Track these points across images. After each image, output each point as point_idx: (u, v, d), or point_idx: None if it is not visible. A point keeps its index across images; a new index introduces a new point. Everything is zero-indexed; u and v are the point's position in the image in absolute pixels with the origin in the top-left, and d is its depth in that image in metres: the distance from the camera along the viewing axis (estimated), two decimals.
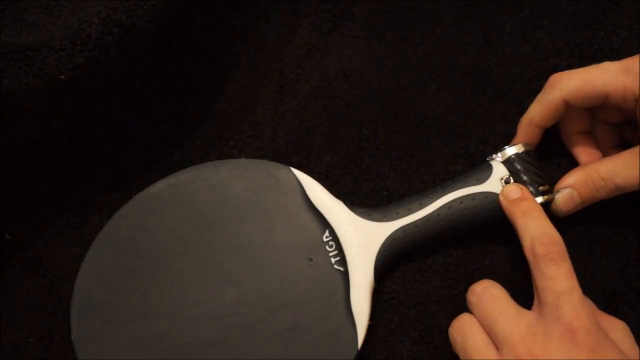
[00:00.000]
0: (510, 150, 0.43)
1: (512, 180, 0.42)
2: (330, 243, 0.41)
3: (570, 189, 0.42)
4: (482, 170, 0.43)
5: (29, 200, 0.48)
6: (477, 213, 0.42)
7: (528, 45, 0.49)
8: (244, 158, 0.45)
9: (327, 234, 0.42)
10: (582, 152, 0.44)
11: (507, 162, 0.43)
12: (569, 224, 0.44)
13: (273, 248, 0.42)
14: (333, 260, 0.41)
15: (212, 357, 0.40)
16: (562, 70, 0.43)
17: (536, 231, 0.38)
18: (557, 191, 0.42)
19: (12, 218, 0.47)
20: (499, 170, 0.42)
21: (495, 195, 0.42)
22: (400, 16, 0.50)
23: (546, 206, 0.42)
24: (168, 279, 0.41)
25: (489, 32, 0.50)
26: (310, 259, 0.41)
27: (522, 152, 0.43)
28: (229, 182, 0.43)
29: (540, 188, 0.42)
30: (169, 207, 0.43)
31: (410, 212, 0.42)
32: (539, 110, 0.43)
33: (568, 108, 0.42)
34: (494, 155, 0.43)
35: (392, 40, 0.50)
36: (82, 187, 0.48)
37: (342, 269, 0.41)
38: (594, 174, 0.41)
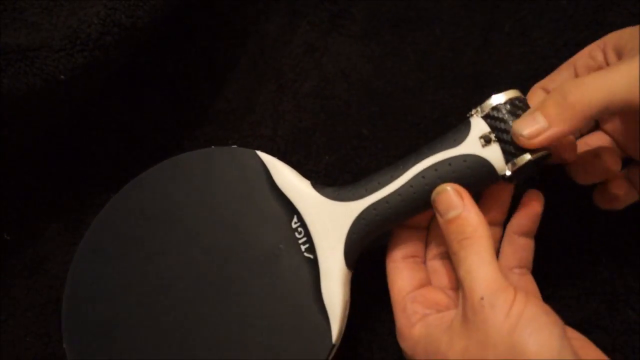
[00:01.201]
0: (494, 100, 0.36)
1: (493, 138, 0.36)
2: (300, 229, 0.38)
3: (532, 110, 0.35)
4: (460, 129, 0.37)
5: (28, 200, 0.48)
6: (455, 181, 0.36)
7: (527, 46, 0.49)
8: (213, 147, 0.42)
9: (295, 219, 0.38)
10: None
11: (489, 117, 0.36)
12: (568, 224, 0.44)
13: (241, 239, 0.39)
14: (303, 247, 0.38)
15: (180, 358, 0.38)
16: None
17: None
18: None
19: (12, 218, 0.47)
20: (478, 127, 0.36)
21: (475, 157, 0.36)
22: (399, 16, 0.50)
23: (540, 163, 0.37)
24: (146, 284, 0.39)
25: (487, 32, 0.50)
26: (280, 248, 0.39)
27: (506, 101, 0.36)
28: (195, 173, 0.40)
29: None
30: (140, 209, 0.40)
31: (380, 186, 0.37)
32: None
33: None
34: (473, 111, 0.37)
35: (390, 40, 0.50)
36: (82, 187, 0.48)
37: (311, 256, 0.38)
38: (561, 86, 0.34)
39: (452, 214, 0.35)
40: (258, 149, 0.48)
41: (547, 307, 0.33)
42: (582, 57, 0.40)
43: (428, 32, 0.50)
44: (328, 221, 0.38)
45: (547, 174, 0.45)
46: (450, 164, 0.36)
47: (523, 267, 0.39)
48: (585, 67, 0.39)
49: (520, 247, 0.39)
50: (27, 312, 0.45)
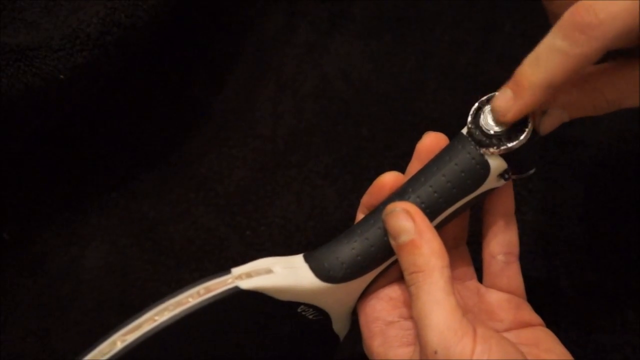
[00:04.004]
0: (517, 144, 0.33)
1: (511, 175, 0.34)
2: (306, 309, 0.35)
3: (561, 111, 0.32)
4: (476, 173, 0.33)
5: (28, 200, 0.48)
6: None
7: (527, 46, 0.49)
8: (189, 300, 0.32)
9: (301, 307, 0.35)
10: None
11: (507, 155, 0.33)
12: (567, 223, 0.44)
13: (253, 353, 0.36)
14: (311, 316, 0.36)
15: None
16: None
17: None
18: (545, 112, 0.33)
19: (12, 218, 0.47)
20: (497, 166, 0.33)
21: (490, 190, 0.35)
22: (399, 16, 0.50)
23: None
24: None
25: (488, 32, 0.50)
26: (285, 333, 0.36)
27: (528, 140, 0.33)
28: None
29: None
30: None
31: (393, 253, 0.34)
32: (565, 69, 0.30)
33: None
34: (492, 150, 0.33)
35: (390, 40, 0.50)
36: (81, 187, 0.48)
37: (321, 317, 0.36)
38: (599, 96, 0.31)
39: (402, 239, 0.32)
40: (258, 149, 0.48)
41: (512, 354, 0.30)
42: None
43: (428, 32, 0.50)
44: (338, 298, 0.35)
45: (547, 173, 0.45)
46: (462, 207, 0.34)
47: (509, 254, 0.36)
48: None
49: (500, 229, 0.36)
50: (27, 312, 0.45)
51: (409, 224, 0.32)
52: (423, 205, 0.33)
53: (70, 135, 0.48)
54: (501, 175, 0.34)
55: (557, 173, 0.44)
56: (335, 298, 0.35)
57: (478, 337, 0.29)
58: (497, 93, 0.34)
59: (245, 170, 0.48)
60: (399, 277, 0.35)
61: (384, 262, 0.34)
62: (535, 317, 0.36)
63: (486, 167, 0.33)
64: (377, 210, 0.34)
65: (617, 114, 0.44)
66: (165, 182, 0.48)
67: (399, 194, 0.34)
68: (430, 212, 0.33)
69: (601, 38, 0.28)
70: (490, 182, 0.34)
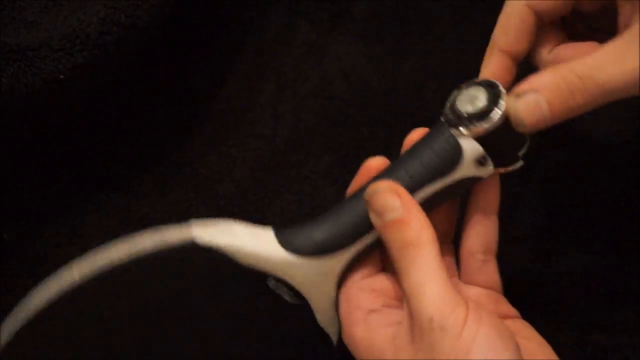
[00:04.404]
0: (492, 125, 0.32)
1: (488, 161, 0.33)
2: (278, 286, 0.34)
3: (536, 95, 0.31)
4: (448, 154, 0.33)
5: (28, 200, 0.48)
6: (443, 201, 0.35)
7: None
8: (144, 245, 0.32)
9: (272, 281, 0.34)
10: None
11: (483, 138, 0.32)
12: (567, 223, 0.44)
13: (217, 322, 0.35)
14: (287, 297, 0.34)
15: None
16: None
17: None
18: (518, 96, 0.31)
19: (12, 218, 0.47)
20: (471, 150, 0.32)
21: (468, 179, 0.33)
22: (399, 16, 0.50)
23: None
24: None
25: (488, 32, 0.49)
26: (258, 308, 0.35)
27: (503, 122, 0.32)
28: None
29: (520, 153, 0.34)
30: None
31: (365, 229, 0.33)
32: (501, 31, 0.36)
33: (538, 21, 0.35)
34: (462, 129, 0.32)
35: (391, 40, 0.50)
36: (81, 187, 0.48)
37: (300, 302, 0.35)
38: (568, 72, 0.31)
39: (389, 217, 0.31)
40: (258, 149, 0.48)
41: (500, 325, 0.30)
42: None
43: (428, 32, 0.50)
44: (314, 276, 0.34)
45: (547, 173, 0.45)
46: (440, 193, 0.33)
47: (487, 252, 0.35)
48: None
49: (481, 226, 0.35)
50: None
51: (396, 201, 0.32)
52: None
53: (70, 135, 0.48)
54: (479, 162, 0.33)
55: (557, 173, 0.44)
56: (306, 276, 0.34)
57: (470, 308, 0.30)
58: (474, 79, 0.35)
59: (245, 170, 0.48)
60: (381, 269, 0.35)
61: (355, 241, 0.33)
62: (512, 310, 0.36)
63: (458, 149, 0.32)
64: (354, 196, 0.34)
65: (617, 114, 0.44)
66: (165, 182, 0.48)
67: (376, 179, 0.34)
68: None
69: None
70: (467, 168, 0.33)
